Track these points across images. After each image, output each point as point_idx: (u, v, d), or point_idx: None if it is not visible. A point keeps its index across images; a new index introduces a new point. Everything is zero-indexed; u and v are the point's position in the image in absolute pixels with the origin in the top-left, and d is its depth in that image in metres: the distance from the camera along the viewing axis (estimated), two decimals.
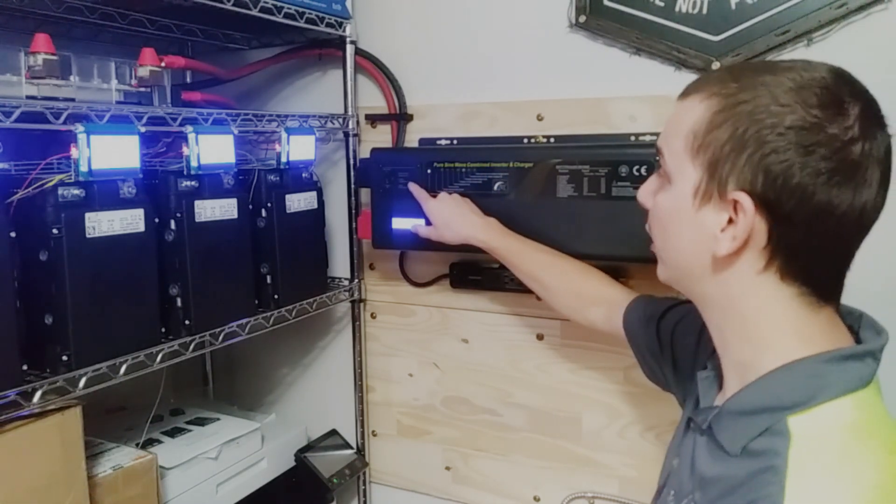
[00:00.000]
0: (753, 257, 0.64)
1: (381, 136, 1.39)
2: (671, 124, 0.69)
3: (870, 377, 0.64)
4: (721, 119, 0.63)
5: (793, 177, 0.60)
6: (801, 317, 0.65)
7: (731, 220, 0.64)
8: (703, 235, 0.66)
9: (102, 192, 0.89)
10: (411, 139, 1.36)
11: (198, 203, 1.02)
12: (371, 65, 1.37)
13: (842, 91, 0.61)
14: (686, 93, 0.69)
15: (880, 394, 0.65)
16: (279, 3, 1.13)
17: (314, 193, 1.26)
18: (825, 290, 0.65)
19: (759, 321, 0.66)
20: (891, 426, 0.63)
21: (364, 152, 1.36)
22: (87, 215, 0.87)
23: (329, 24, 1.28)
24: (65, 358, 0.86)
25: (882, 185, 0.62)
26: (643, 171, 1.08)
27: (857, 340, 0.67)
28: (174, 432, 1.23)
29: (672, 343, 0.93)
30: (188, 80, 1.46)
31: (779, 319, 0.65)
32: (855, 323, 0.69)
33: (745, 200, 0.62)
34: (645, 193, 0.75)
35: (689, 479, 0.72)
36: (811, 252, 0.63)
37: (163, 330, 1.01)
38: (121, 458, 1.00)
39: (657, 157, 0.72)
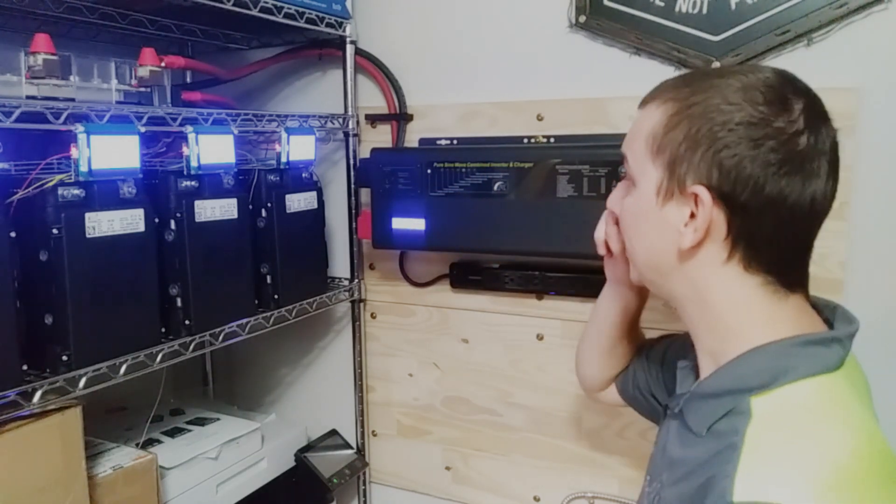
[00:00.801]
0: (716, 249, 0.67)
1: (381, 136, 1.39)
2: (632, 131, 0.74)
3: (837, 363, 0.66)
4: (676, 120, 0.68)
5: (744, 169, 0.64)
6: (767, 305, 0.68)
7: (692, 215, 0.67)
8: (668, 231, 0.69)
9: (102, 192, 0.89)
10: (411, 139, 1.36)
11: (198, 203, 1.02)
12: (371, 65, 1.37)
13: (785, 89, 0.66)
14: (644, 101, 0.73)
15: (852, 382, 0.67)
16: (279, 3, 1.13)
17: (314, 193, 1.26)
18: (789, 279, 0.68)
19: (727, 311, 0.69)
20: (854, 409, 0.64)
21: (364, 152, 1.36)
22: (87, 215, 0.87)
23: (329, 24, 1.28)
24: (65, 358, 0.86)
25: (831, 175, 0.67)
26: None
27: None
28: (174, 432, 1.23)
29: (663, 362, 0.95)
30: (188, 80, 1.46)
31: (745, 308, 0.68)
32: (830, 315, 0.71)
33: (703, 193, 0.65)
34: (614, 200, 0.79)
35: (660, 461, 0.76)
36: (769, 241, 0.66)
37: (163, 330, 1.01)
38: (121, 458, 1.00)
39: (622, 165, 0.75)
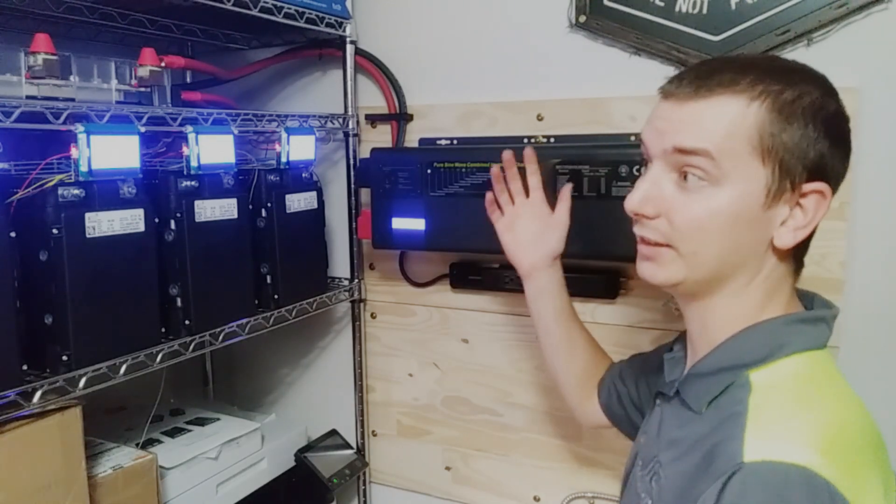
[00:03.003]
0: None
1: (381, 136, 1.39)
2: (710, 125, 0.67)
3: (824, 341, 0.70)
4: (785, 118, 0.65)
5: (838, 163, 0.68)
6: (786, 289, 0.72)
7: (802, 213, 0.68)
8: (769, 229, 0.68)
9: (102, 192, 0.89)
10: (411, 139, 1.36)
11: (198, 203, 1.02)
12: (371, 65, 1.37)
13: (825, 77, 0.71)
14: (709, 90, 0.67)
15: (833, 361, 0.71)
16: (279, 3, 1.13)
17: (314, 193, 1.26)
18: (801, 266, 0.73)
19: (761, 294, 0.71)
20: (841, 382, 0.70)
21: (364, 152, 1.36)
22: (87, 215, 0.87)
23: (329, 24, 1.28)
24: (65, 358, 0.86)
25: None
26: (643, 171, 1.08)
27: None
28: (174, 432, 1.23)
29: (638, 377, 0.98)
30: (188, 80, 1.46)
31: (774, 292, 0.71)
32: (809, 302, 0.75)
33: (820, 188, 0.67)
34: (655, 199, 0.71)
35: (654, 445, 0.77)
36: (814, 232, 0.70)
37: (163, 330, 1.01)
38: (121, 458, 1.00)
39: (689, 162, 0.68)
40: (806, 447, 0.59)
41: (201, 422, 1.28)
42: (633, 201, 0.72)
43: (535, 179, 1.04)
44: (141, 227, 0.94)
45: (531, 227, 1.03)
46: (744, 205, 0.67)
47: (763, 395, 0.65)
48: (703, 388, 0.71)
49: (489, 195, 1.08)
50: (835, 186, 0.68)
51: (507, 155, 1.04)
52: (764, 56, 0.75)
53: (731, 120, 0.66)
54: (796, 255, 0.72)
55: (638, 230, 0.74)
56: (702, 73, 0.69)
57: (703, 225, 0.68)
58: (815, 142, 0.66)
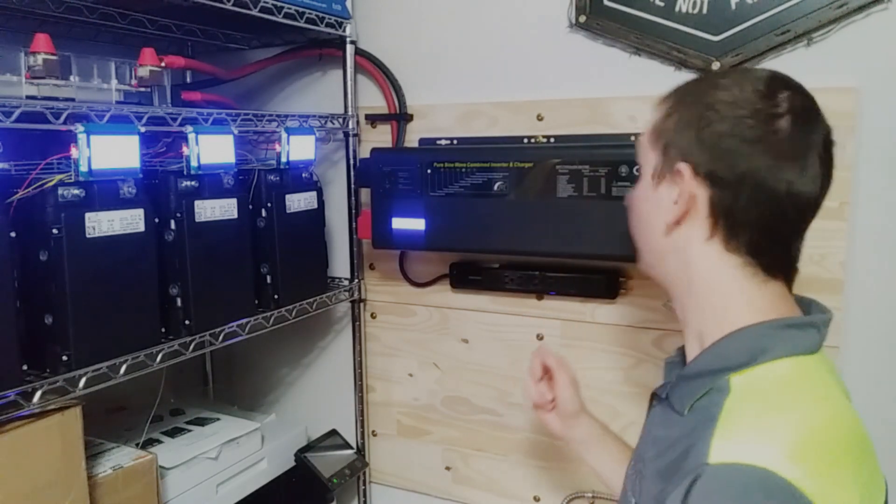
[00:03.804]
0: (699, 225, 0.72)
1: (381, 136, 1.39)
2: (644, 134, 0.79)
3: (813, 347, 0.70)
4: (672, 110, 0.74)
5: (722, 143, 0.69)
6: (747, 288, 0.71)
7: (679, 193, 0.72)
8: (661, 210, 0.74)
9: (102, 192, 0.89)
10: (411, 139, 1.36)
11: (198, 203, 1.02)
12: (371, 65, 1.37)
13: (775, 83, 0.70)
14: (655, 105, 0.79)
15: (827, 366, 0.71)
16: (279, 3, 1.13)
17: (314, 193, 1.26)
18: (769, 264, 0.71)
19: (710, 291, 0.73)
20: (826, 386, 0.69)
21: (364, 152, 1.36)
22: (87, 215, 0.87)
23: (329, 24, 1.28)
24: (65, 358, 0.86)
25: (822, 171, 0.69)
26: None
27: None
28: (174, 432, 1.23)
29: None
30: (188, 80, 1.46)
31: (727, 289, 0.72)
32: (806, 307, 0.75)
33: (684, 168, 0.71)
34: (628, 196, 0.84)
35: (643, 445, 0.80)
36: (747, 221, 0.70)
37: (163, 330, 1.01)
38: (121, 458, 1.00)
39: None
40: (770, 449, 0.60)
41: (201, 422, 1.28)
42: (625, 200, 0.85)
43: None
44: (141, 227, 0.94)
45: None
46: (643, 187, 0.78)
47: (738, 399, 0.66)
48: (687, 390, 0.72)
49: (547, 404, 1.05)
50: (710, 167, 0.70)
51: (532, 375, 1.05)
52: (721, 71, 0.82)
53: (649, 123, 0.78)
54: (750, 251, 0.70)
55: None
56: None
57: (632, 212, 0.82)
58: (687, 125, 0.72)
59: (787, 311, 0.72)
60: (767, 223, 0.70)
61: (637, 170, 0.83)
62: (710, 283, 0.73)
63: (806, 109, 0.69)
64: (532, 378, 1.04)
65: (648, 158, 0.77)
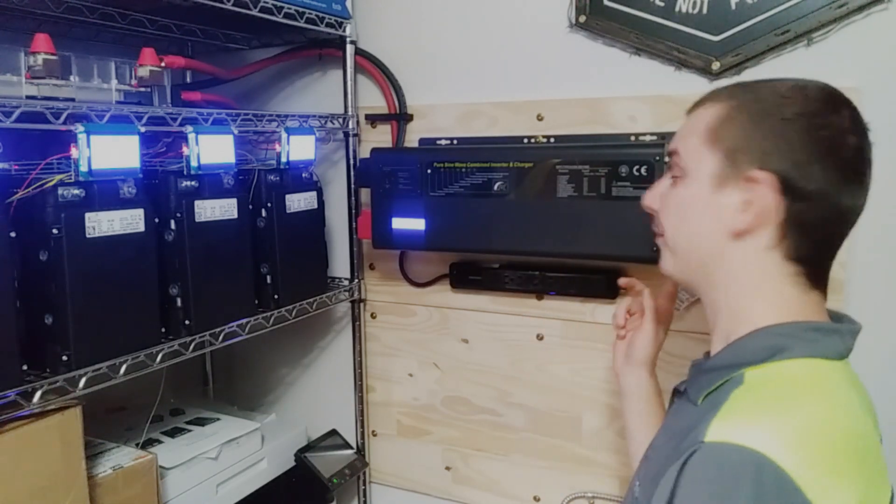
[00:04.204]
0: (766, 234, 0.71)
1: (381, 136, 1.39)
2: (684, 129, 0.78)
3: (836, 354, 0.70)
4: (734, 113, 0.72)
5: (801, 155, 0.68)
6: (791, 294, 0.72)
7: (748, 201, 0.70)
8: (720, 215, 0.72)
9: (102, 192, 0.89)
10: (411, 139, 1.36)
11: (198, 203, 1.02)
12: (371, 65, 1.37)
13: (833, 94, 0.71)
14: (696, 105, 0.77)
15: (850, 376, 0.71)
16: (279, 3, 1.13)
17: (314, 193, 1.26)
18: (816, 274, 0.72)
19: (754, 297, 0.72)
20: (840, 390, 0.68)
21: (364, 152, 1.36)
22: (87, 215, 0.87)
23: (329, 24, 1.28)
24: (65, 358, 0.86)
25: (867, 183, 0.72)
26: (643, 171, 1.08)
27: None
28: (174, 432, 1.23)
29: None
30: (188, 80, 1.46)
31: (773, 297, 0.72)
32: (837, 320, 0.75)
33: (763, 177, 0.69)
34: (652, 196, 0.82)
35: (657, 435, 0.82)
36: (814, 233, 0.70)
37: (163, 330, 1.01)
38: (121, 458, 1.00)
39: (667, 161, 0.79)
40: (769, 436, 0.60)
41: (201, 422, 1.28)
42: (644, 198, 0.83)
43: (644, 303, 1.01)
44: (141, 227, 0.94)
45: (631, 335, 1.01)
46: (694, 190, 0.75)
47: (748, 389, 0.67)
48: (703, 381, 0.73)
49: (617, 325, 1.02)
50: (788, 177, 0.69)
51: (625, 282, 1.03)
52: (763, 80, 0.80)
53: (698, 122, 0.75)
54: (806, 261, 0.71)
55: (653, 226, 0.83)
56: (704, 95, 0.78)
57: (669, 212, 0.78)
58: (758, 132, 0.70)
59: (818, 316, 0.73)
60: (830, 236, 0.72)
61: (665, 170, 0.79)
62: (757, 289, 0.72)
63: (864, 125, 0.71)
64: (624, 306, 1.01)
65: (701, 159, 0.74)
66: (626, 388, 0.99)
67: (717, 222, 0.73)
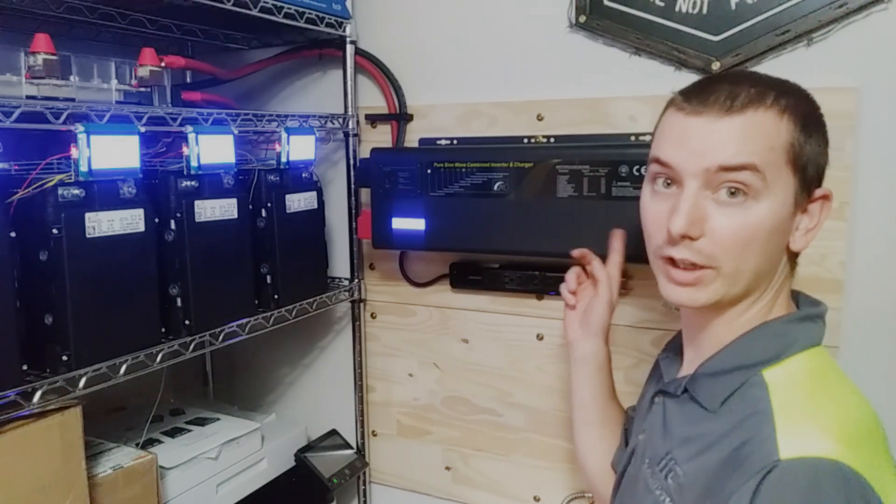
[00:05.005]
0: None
1: (381, 136, 1.39)
2: (748, 140, 0.68)
3: (821, 337, 0.74)
4: (808, 130, 0.70)
5: (826, 166, 0.73)
6: (786, 289, 0.76)
7: (815, 221, 0.73)
8: (787, 238, 0.72)
9: (102, 192, 0.89)
10: (411, 139, 1.36)
11: (198, 203, 1.02)
12: (371, 65, 1.37)
13: None
14: (742, 106, 0.69)
15: (829, 355, 0.75)
16: (279, 3, 1.13)
17: (314, 193, 1.26)
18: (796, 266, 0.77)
19: (774, 300, 0.75)
20: (845, 377, 0.73)
21: (364, 152, 1.36)
22: (87, 215, 0.87)
23: (329, 24, 1.28)
24: (65, 358, 0.86)
25: None
26: (643, 171, 1.08)
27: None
28: (174, 432, 1.23)
29: None
30: (188, 80, 1.46)
31: (784, 294, 0.75)
32: (796, 300, 0.78)
33: (830, 192, 0.72)
34: (693, 223, 0.69)
35: (661, 443, 0.77)
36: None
37: (163, 330, 1.01)
38: (121, 458, 1.00)
39: (733, 178, 0.68)
40: (834, 441, 0.62)
41: (201, 422, 1.28)
42: (680, 224, 0.69)
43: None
44: (141, 227, 0.94)
45: (583, 304, 1.01)
46: (780, 215, 0.70)
47: (784, 394, 0.68)
48: (717, 386, 0.73)
49: (568, 293, 1.02)
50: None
51: (578, 253, 1.01)
52: (756, 73, 0.78)
53: (769, 134, 0.68)
54: (796, 256, 0.77)
55: (677, 253, 0.71)
56: (723, 90, 0.70)
57: (746, 240, 0.69)
58: (824, 150, 0.72)
59: (792, 304, 0.77)
60: None
61: (734, 189, 0.69)
62: (778, 292, 0.75)
63: None
64: (574, 273, 1.01)
65: (783, 180, 0.69)
66: (583, 355, 0.98)
67: (782, 244, 0.72)
